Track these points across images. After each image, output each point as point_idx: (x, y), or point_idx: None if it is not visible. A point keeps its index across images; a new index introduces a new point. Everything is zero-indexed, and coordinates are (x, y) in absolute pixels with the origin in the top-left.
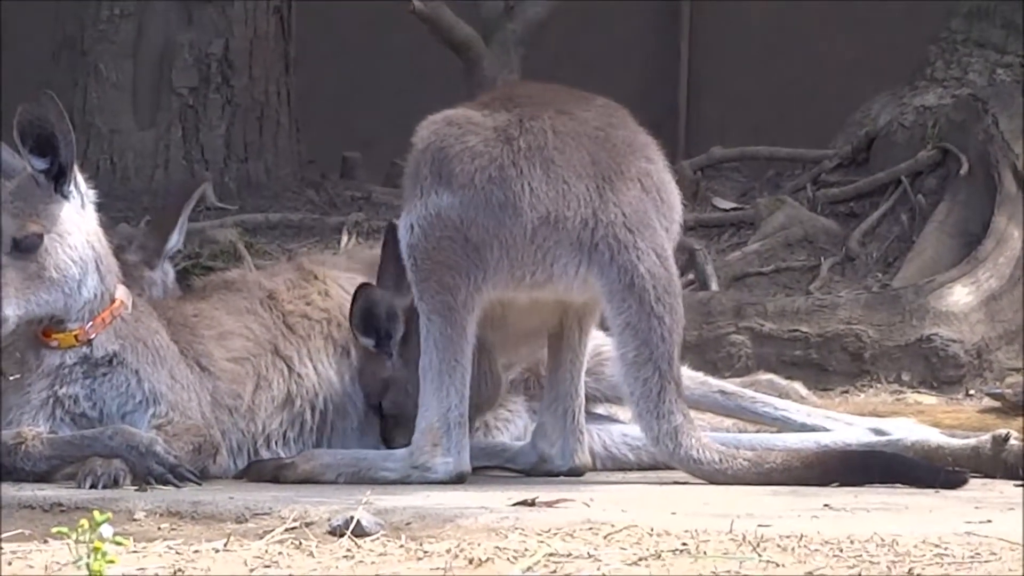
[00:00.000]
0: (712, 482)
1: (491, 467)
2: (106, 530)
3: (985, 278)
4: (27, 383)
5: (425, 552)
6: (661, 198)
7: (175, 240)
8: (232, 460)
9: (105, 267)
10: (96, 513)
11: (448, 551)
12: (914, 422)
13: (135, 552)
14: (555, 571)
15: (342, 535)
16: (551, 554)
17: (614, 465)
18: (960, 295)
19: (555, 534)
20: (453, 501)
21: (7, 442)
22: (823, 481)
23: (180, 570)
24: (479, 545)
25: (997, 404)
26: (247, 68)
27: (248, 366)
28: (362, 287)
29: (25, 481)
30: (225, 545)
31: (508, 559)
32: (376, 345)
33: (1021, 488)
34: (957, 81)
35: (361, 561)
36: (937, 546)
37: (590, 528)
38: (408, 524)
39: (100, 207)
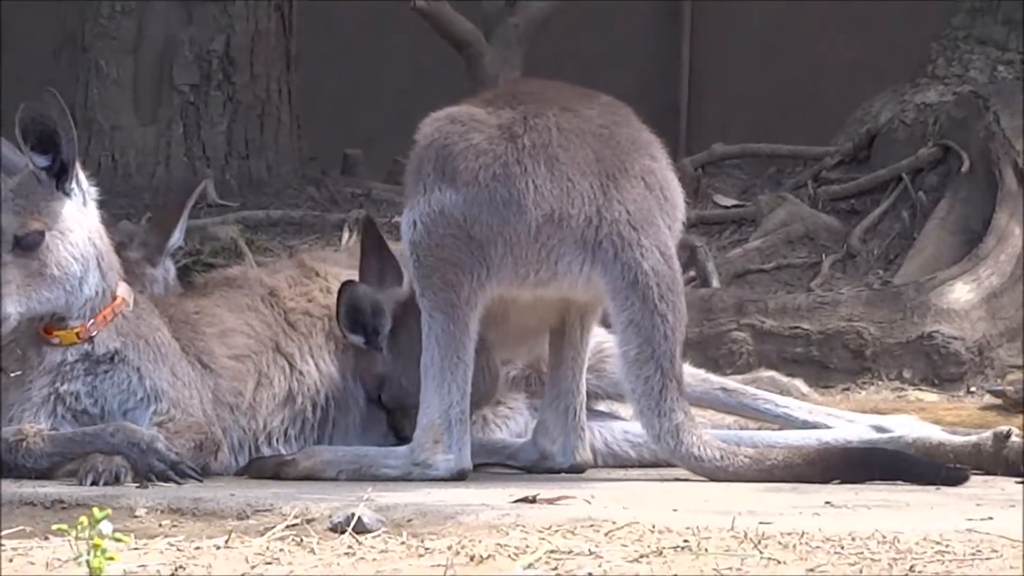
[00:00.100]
0: (713, 479)
1: (492, 464)
2: (106, 526)
3: (986, 275)
4: (28, 380)
5: (426, 549)
6: (664, 196)
7: (176, 237)
8: (233, 457)
9: (107, 264)
10: (96, 510)
11: (449, 548)
12: (915, 419)
13: (136, 549)
14: (556, 568)
15: (343, 532)
16: (552, 551)
17: (615, 462)
18: (961, 292)
19: (556, 531)
20: (454, 498)
21: (8, 439)
22: (824, 478)
23: (181, 567)
24: (480, 542)
25: (998, 401)
26: (248, 65)
27: (249, 363)
28: (345, 285)
29: (26, 478)
30: (226, 542)
31: (509, 556)
32: (366, 342)
33: (1022, 485)
34: (958, 78)
35: (362, 558)
36: (938, 543)
37: (591, 525)
38: (409, 521)
39: (102, 204)
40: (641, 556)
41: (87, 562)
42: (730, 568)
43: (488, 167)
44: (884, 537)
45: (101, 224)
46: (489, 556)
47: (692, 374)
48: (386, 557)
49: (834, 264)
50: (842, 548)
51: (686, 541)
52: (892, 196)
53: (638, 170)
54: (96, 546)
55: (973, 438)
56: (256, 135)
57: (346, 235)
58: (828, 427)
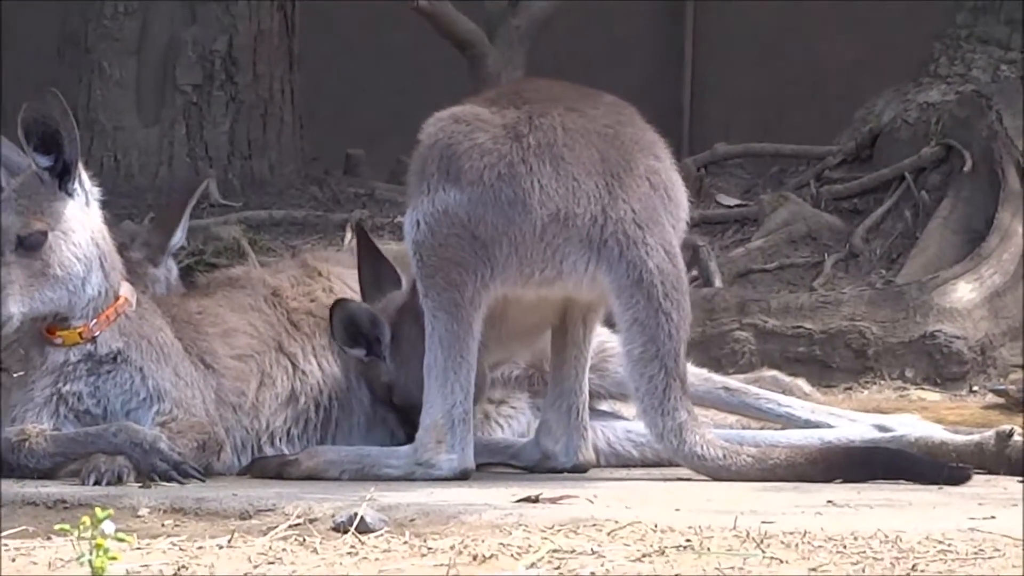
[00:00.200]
0: (716, 478)
1: (495, 464)
2: (108, 526)
3: (989, 275)
4: (31, 380)
5: (429, 548)
6: (669, 196)
7: (179, 237)
8: (236, 457)
9: (109, 264)
10: (98, 510)
11: (452, 547)
12: (918, 418)
13: (139, 549)
14: (559, 568)
15: (346, 532)
16: (555, 550)
17: (618, 462)
18: (964, 292)
19: (559, 530)
20: (457, 498)
21: (11, 439)
22: (827, 477)
23: (184, 567)
24: (483, 541)
25: (1001, 400)
26: (251, 65)
27: (252, 363)
28: (336, 303)
29: (29, 478)
30: (229, 542)
31: (512, 555)
32: (367, 353)
33: None
34: (961, 78)
35: (365, 558)
36: (940, 542)
37: (594, 524)
38: (412, 520)
39: (104, 204)
40: (644, 555)
41: (89, 562)
42: (732, 567)
43: (493, 167)
44: (886, 536)
45: (104, 224)
46: (492, 556)
47: (695, 373)
48: (389, 557)
49: (836, 263)
50: (844, 547)
51: (688, 540)
52: (895, 195)
53: (643, 170)
54: (99, 546)
55: (975, 437)
56: (259, 135)
57: (349, 235)
58: (830, 426)
